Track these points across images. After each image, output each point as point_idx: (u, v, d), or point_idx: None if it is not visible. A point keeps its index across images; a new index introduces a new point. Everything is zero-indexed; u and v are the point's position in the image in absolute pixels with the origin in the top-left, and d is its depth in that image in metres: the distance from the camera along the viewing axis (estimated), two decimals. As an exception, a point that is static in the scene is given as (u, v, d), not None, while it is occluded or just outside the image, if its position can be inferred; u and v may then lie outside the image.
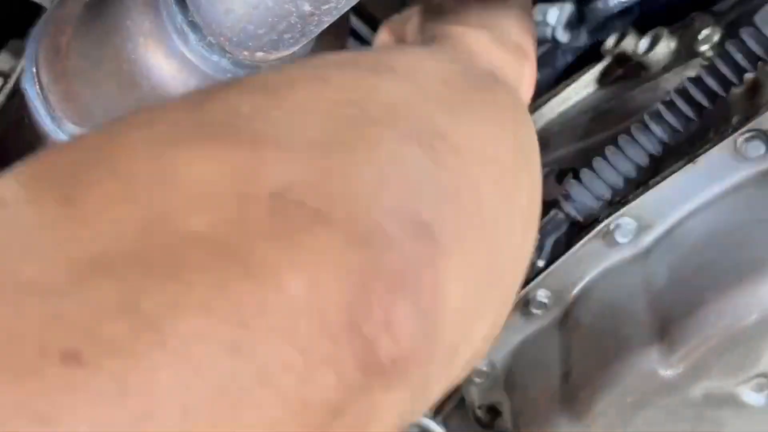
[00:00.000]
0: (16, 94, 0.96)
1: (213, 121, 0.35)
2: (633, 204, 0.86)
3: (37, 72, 0.83)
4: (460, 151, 0.40)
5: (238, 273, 0.28)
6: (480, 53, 0.61)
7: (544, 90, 1.19)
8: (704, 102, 0.85)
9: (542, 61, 1.21)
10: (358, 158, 0.35)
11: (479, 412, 0.98)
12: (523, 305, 0.92)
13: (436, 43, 0.61)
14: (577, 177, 0.90)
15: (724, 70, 0.84)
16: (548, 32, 1.11)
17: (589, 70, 1.09)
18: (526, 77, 0.64)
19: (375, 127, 0.37)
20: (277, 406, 0.27)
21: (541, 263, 0.91)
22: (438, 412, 1.07)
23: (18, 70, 1.06)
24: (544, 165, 1.05)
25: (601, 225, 0.87)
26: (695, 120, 0.86)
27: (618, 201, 0.89)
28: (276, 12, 0.69)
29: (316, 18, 0.70)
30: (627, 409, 0.81)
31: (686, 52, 0.99)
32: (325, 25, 0.74)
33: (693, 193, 0.84)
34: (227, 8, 0.71)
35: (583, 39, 1.11)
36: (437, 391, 0.39)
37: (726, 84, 0.84)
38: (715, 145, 0.83)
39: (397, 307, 0.31)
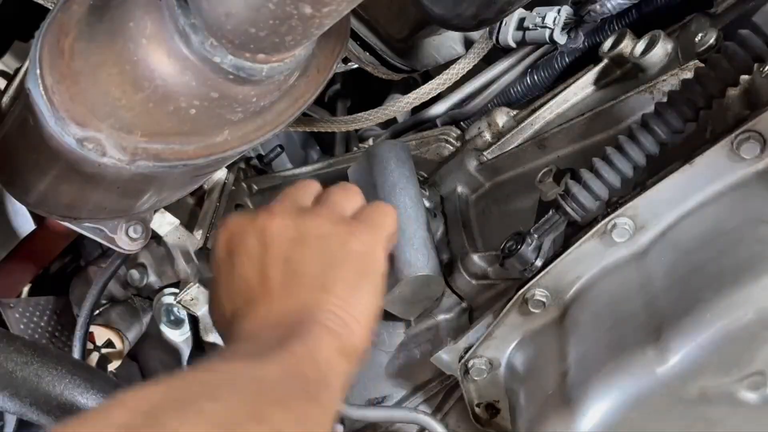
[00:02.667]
0: (21, 96, 0.96)
1: None
2: (630, 204, 0.87)
3: (41, 73, 0.83)
4: None
5: None
6: (322, 363, 0.68)
7: (543, 91, 1.20)
8: (701, 103, 0.86)
9: (541, 63, 1.22)
10: None
11: (478, 410, 0.99)
12: (522, 304, 0.92)
13: (290, 339, 0.68)
14: (575, 177, 0.91)
15: (721, 71, 0.85)
16: (546, 34, 1.12)
17: (587, 71, 1.10)
18: (346, 378, 0.73)
19: None
20: None
21: (539, 263, 0.91)
22: (438, 409, 1.08)
23: (22, 71, 1.06)
24: (543, 165, 1.07)
25: (599, 225, 0.88)
26: (692, 121, 0.87)
27: (615, 201, 0.90)
28: (277, 14, 0.69)
29: (317, 20, 0.71)
30: (624, 406, 0.81)
31: (683, 54, 1.00)
32: (326, 27, 0.74)
33: (689, 194, 0.85)
34: (228, 11, 0.72)
35: (581, 41, 1.12)
36: None
37: (722, 85, 0.85)
38: (711, 146, 0.84)
39: None
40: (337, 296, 0.74)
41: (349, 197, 0.83)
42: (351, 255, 0.77)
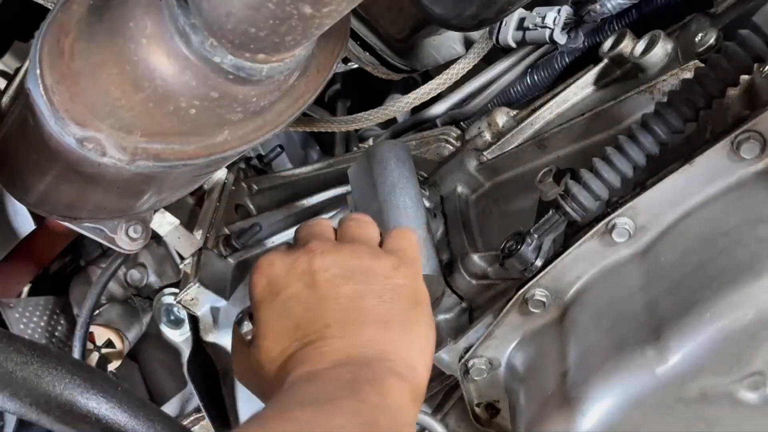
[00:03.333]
0: (21, 96, 0.96)
1: None
2: (630, 204, 0.87)
3: (41, 73, 0.83)
4: None
5: None
6: (395, 411, 0.68)
7: (543, 91, 1.20)
8: (701, 103, 0.86)
9: (541, 63, 1.22)
10: None
11: (478, 410, 0.99)
12: (522, 304, 0.92)
13: (362, 384, 0.67)
14: (575, 177, 0.91)
15: (721, 71, 0.85)
16: (546, 34, 1.12)
17: (587, 71, 1.10)
18: (414, 422, 0.73)
19: None
20: None
21: (539, 263, 0.91)
22: (438, 409, 1.08)
23: (22, 71, 1.06)
24: (543, 165, 1.07)
25: (599, 225, 0.88)
26: (692, 121, 0.87)
27: (615, 201, 0.90)
28: (277, 14, 0.69)
29: (317, 20, 0.71)
30: (624, 406, 0.81)
31: (683, 54, 1.00)
32: (326, 27, 0.74)
33: (689, 194, 0.85)
34: (228, 11, 0.72)
35: (581, 41, 1.12)
36: None
37: (722, 85, 0.85)
38: (711, 146, 0.84)
39: None
40: (397, 335, 0.72)
41: (366, 228, 0.82)
42: (398, 289, 0.75)
